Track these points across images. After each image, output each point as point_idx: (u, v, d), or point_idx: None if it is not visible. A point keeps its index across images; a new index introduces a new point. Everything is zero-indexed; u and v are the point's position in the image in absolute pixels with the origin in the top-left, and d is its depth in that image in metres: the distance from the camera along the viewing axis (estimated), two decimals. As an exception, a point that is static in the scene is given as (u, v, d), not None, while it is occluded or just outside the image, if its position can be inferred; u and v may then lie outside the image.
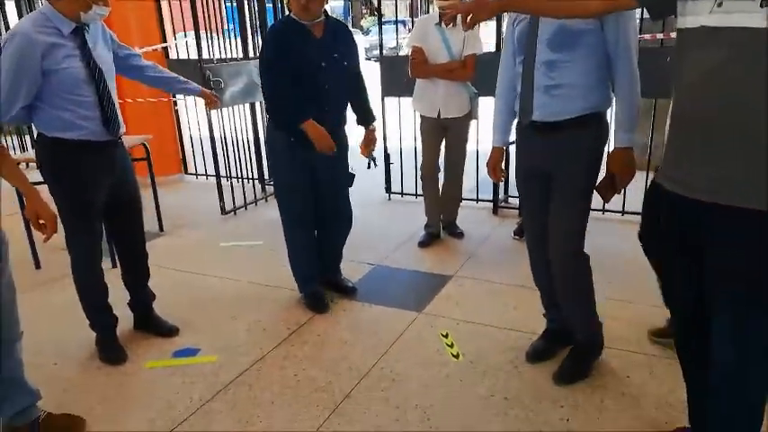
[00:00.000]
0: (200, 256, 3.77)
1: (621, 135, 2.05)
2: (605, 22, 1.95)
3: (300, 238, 2.99)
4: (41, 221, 1.95)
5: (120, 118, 2.45)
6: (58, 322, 2.86)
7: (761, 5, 1.23)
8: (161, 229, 4.23)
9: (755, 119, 1.30)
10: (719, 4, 1.31)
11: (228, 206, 4.62)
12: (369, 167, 3.19)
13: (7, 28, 6.13)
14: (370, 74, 4.53)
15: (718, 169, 1.37)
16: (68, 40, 2.22)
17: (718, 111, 1.35)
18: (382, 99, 4.58)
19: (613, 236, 3.58)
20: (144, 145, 4.04)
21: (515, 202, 4.33)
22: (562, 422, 2.06)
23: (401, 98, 4.46)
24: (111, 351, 2.57)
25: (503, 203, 4.48)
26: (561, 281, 2.25)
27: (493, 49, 4.01)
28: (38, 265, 3.63)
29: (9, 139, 6.52)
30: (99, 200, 2.43)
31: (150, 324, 2.77)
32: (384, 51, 4.69)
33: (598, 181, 2.15)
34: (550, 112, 2.07)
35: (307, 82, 2.65)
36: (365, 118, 3.02)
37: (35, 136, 2.37)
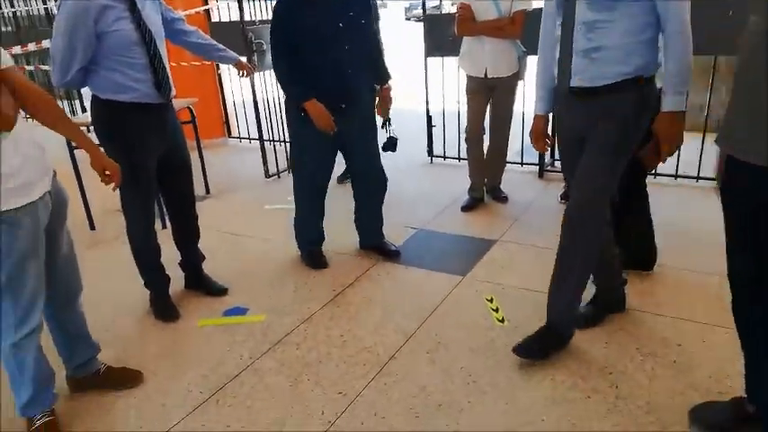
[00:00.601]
0: (245, 218, 3.84)
1: (669, 97, 1.89)
2: None
3: (306, 202, 3.02)
4: (107, 173, 2.01)
5: (171, 81, 2.47)
6: (114, 281, 2.97)
7: None
8: (207, 191, 4.31)
9: None
10: None
11: (272, 170, 4.66)
12: (383, 128, 3.17)
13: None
14: (412, 34, 4.45)
15: None
16: (119, 2, 2.24)
17: None
18: (425, 59, 4.48)
19: (666, 201, 3.45)
20: (189, 108, 4.08)
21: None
22: (611, 389, 2.03)
23: (445, 58, 4.36)
24: (164, 309, 2.66)
25: (549, 167, 4.37)
26: (562, 237, 2.13)
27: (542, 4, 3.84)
28: (92, 226, 3.77)
29: (59, 103, 6.69)
30: (151, 161, 2.48)
31: (201, 284, 2.85)
32: (419, 12, 4.55)
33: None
34: (589, 77, 1.95)
35: (327, 45, 2.63)
36: (381, 76, 2.99)
37: (91, 98, 2.42)
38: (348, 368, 2.24)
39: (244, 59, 3.00)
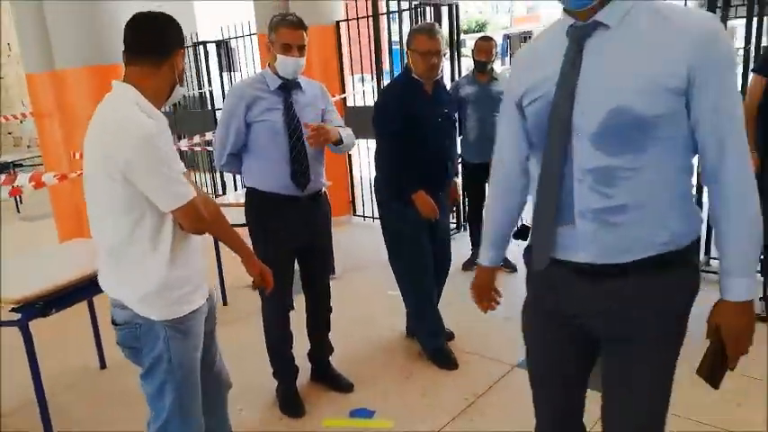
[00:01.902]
0: (369, 303, 3.76)
1: (735, 280, 1.23)
2: (696, 78, 1.15)
3: (415, 293, 2.94)
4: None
5: (318, 175, 2.49)
6: (243, 363, 2.95)
7: None
8: (333, 272, 4.31)
9: None
10: None
11: (395, 251, 4.59)
12: None
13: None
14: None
15: None
16: (274, 95, 2.33)
17: None
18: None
19: None
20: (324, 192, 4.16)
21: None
22: None
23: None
24: (290, 403, 2.58)
25: (704, 266, 3.88)
26: None
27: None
28: (225, 302, 3.87)
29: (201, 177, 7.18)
30: (287, 252, 2.48)
31: (327, 377, 2.76)
32: None
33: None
34: (610, 250, 1.26)
35: (431, 136, 2.73)
36: (455, 171, 3.08)
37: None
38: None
39: None
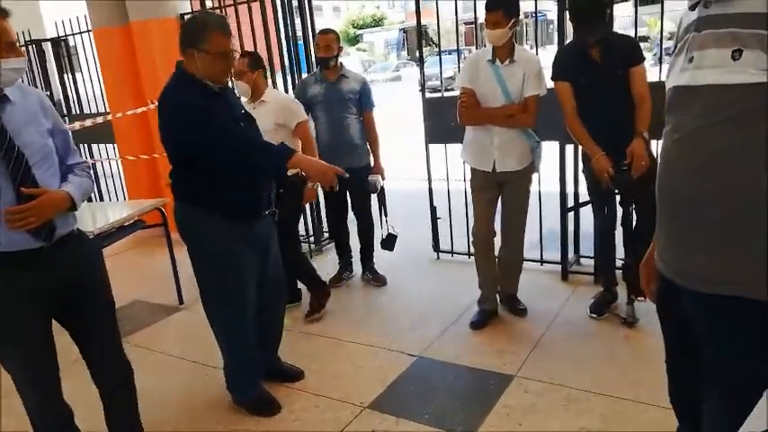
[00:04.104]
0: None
1: None
2: None
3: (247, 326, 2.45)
4: None
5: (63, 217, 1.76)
6: None
7: (733, 58, 1.10)
8: (180, 301, 3.76)
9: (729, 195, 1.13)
10: (690, 60, 1.19)
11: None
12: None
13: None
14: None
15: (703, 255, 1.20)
16: None
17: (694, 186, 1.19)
18: (426, 146, 3.98)
19: None
20: (160, 210, 3.60)
21: (589, 263, 3.60)
22: None
23: (448, 145, 3.85)
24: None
25: (573, 266, 3.74)
26: None
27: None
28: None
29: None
30: (27, 320, 1.75)
31: None
32: (440, 83, 4.08)
33: None
34: None
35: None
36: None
37: None
38: None
39: None
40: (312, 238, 4.60)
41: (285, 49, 4.32)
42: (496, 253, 3.18)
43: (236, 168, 2.20)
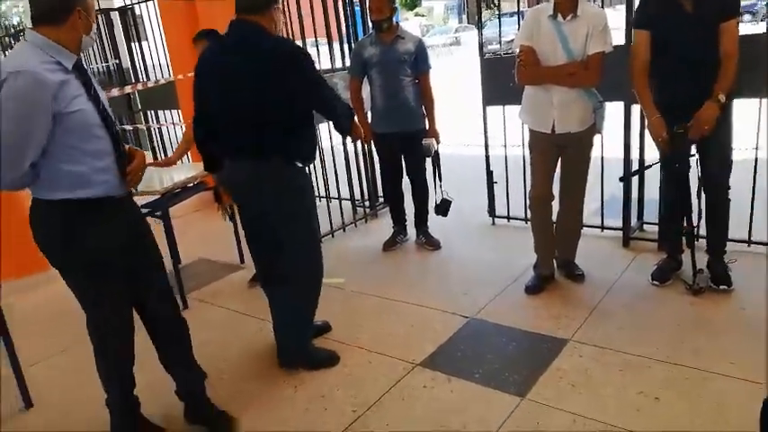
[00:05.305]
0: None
1: None
2: None
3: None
4: None
5: None
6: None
7: None
8: (241, 260, 3.90)
9: None
10: None
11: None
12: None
13: None
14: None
15: None
16: (71, 75, 1.80)
17: None
18: (483, 108, 3.90)
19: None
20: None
21: (653, 230, 3.46)
22: None
23: (506, 107, 3.76)
24: None
25: (636, 233, 3.60)
26: None
27: (622, 40, 3.16)
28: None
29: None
30: (118, 264, 1.97)
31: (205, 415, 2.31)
32: (499, 47, 3.98)
33: None
34: None
35: None
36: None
37: (33, 204, 1.89)
38: None
39: None
40: (367, 202, 4.64)
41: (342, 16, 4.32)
42: (554, 218, 3.11)
43: (330, 117, 2.47)
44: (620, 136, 3.34)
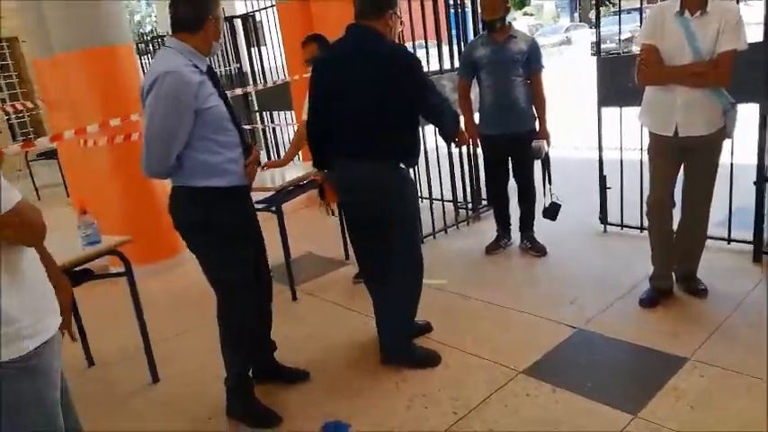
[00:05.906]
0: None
1: None
2: None
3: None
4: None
5: None
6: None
7: None
8: (346, 257, 4.03)
9: None
10: None
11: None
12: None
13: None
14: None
15: None
16: (206, 78, 2.03)
17: None
18: (599, 109, 3.73)
19: None
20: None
21: (790, 246, 3.14)
22: None
23: (623, 108, 3.57)
24: (262, 414, 2.36)
25: (768, 247, 3.28)
26: None
27: (760, 37, 2.89)
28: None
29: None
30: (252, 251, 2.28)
31: (277, 372, 2.59)
32: (613, 45, 3.82)
33: None
34: None
35: None
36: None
37: (173, 191, 2.15)
38: None
39: None
40: (470, 204, 4.60)
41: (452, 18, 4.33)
42: (674, 227, 2.91)
43: (436, 123, 2.57)
44: (753, 140, 3.06)
